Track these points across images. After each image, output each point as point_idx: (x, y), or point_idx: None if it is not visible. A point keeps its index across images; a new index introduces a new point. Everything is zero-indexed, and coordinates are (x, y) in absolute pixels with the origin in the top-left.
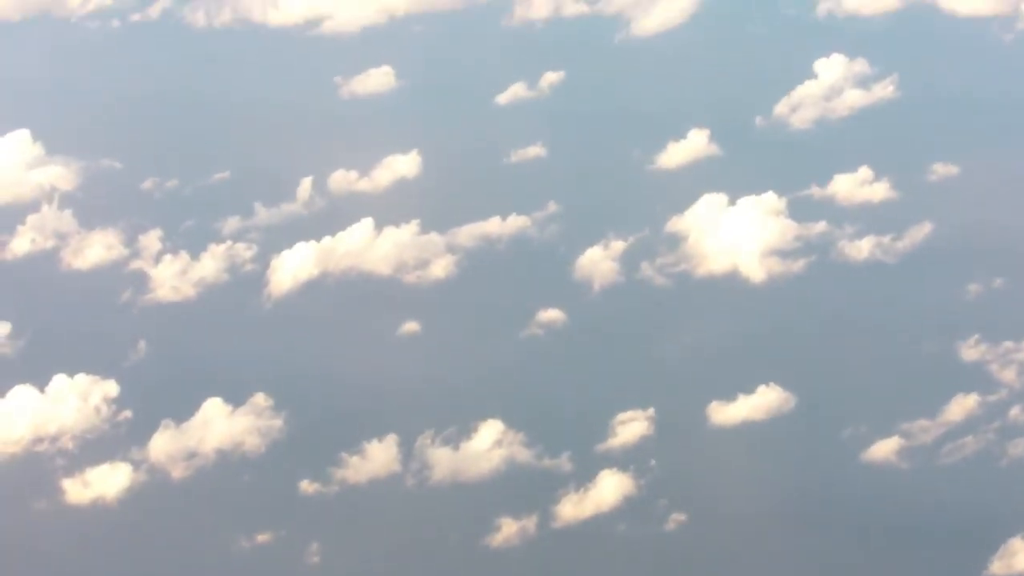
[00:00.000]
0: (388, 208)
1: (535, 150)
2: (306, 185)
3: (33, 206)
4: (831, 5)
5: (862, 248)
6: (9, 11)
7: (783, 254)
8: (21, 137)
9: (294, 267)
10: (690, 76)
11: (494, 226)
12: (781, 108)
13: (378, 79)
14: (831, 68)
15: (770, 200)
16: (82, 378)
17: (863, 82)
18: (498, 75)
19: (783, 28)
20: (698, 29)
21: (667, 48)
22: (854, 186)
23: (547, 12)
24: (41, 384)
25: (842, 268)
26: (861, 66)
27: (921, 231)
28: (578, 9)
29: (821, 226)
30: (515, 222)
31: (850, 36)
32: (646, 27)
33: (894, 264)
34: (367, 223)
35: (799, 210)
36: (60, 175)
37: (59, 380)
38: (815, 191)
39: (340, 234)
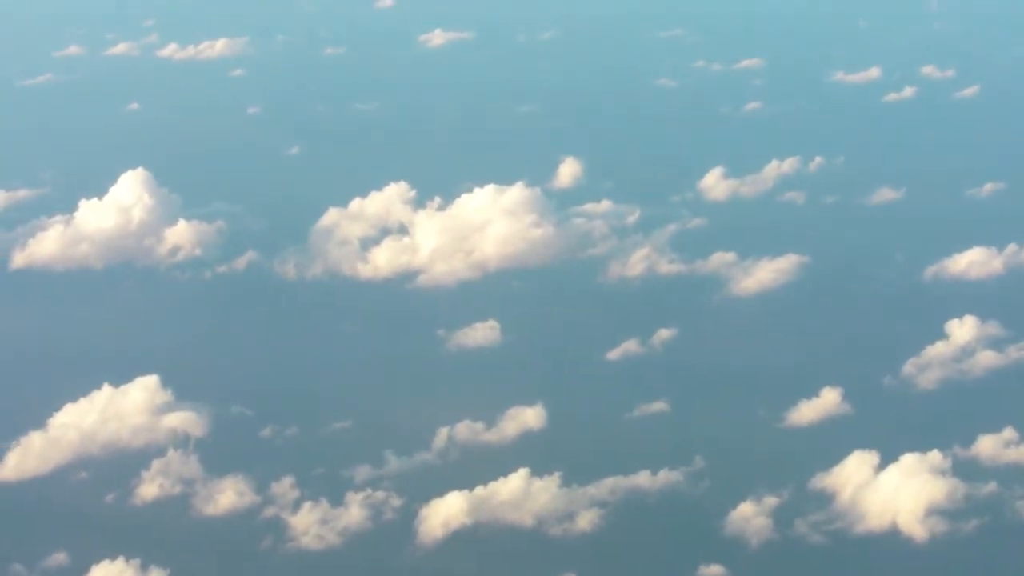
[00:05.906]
0: (525, 460)
1: (659, 406)
2: (443, 435)
3: (158, 451)
4: (936, 269)
5: None
6: (92, 260)
7: (947, 513)
8: (149, 383)
9: (445, 516)
10: (805, 336)
11: (644, 479)
12: (909, 368)
13: (484, 333)
14: (963, 329)
15: (932, 458)
16: None
17: (996, 344)
18: (606, 331)
19: (890, 293)
20: (801, 292)
21: (773, 308)
22: (999, 447)
23: (642, 270)
24: None
25: (1020, 530)
26: (994, 328)
27: None
28: (673, 268)
29: (991, 486)
30: (665, 476)
31: (965, 299)
32: (746, 287)
33: None
34: (523, 473)
35: (962, 469)
36: (190, 420)
37: None
38: (958, 451)
39: (492, 484)
